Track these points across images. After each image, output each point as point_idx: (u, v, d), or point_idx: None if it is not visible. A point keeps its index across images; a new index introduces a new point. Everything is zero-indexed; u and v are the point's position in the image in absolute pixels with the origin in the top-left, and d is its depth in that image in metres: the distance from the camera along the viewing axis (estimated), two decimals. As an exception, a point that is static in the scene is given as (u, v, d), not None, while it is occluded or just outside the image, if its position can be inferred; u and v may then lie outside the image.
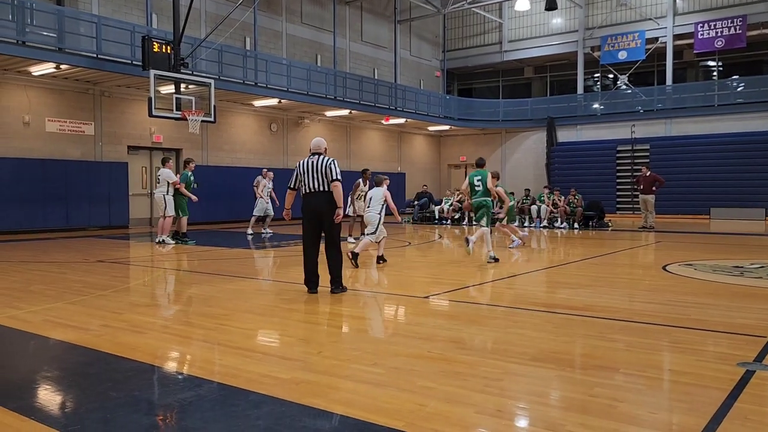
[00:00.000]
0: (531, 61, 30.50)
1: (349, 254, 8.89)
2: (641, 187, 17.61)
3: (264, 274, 9.20)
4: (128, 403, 3.40)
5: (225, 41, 17.87)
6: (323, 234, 6.84)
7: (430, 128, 28.83)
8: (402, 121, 25.82)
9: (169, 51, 15.03)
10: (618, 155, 25.54)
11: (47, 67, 14.93)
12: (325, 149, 6.94)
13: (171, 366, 4.30)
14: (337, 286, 6.82)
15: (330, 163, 6.72)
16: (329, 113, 23.60)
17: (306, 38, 24.09)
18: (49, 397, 3.62)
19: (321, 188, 6.69)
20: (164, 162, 13.34)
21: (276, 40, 22.88)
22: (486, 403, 3.31)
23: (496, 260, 9.72)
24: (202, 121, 15.68)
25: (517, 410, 3.29)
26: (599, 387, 3.57)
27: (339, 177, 6.70)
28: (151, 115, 14.80)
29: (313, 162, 6.75)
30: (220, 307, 6.25)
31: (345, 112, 23.15)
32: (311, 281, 6.85)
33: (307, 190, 6.75)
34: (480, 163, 10.65)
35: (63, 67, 14.93)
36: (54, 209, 15.99)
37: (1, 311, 5.85)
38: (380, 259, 9.67)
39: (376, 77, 26.16)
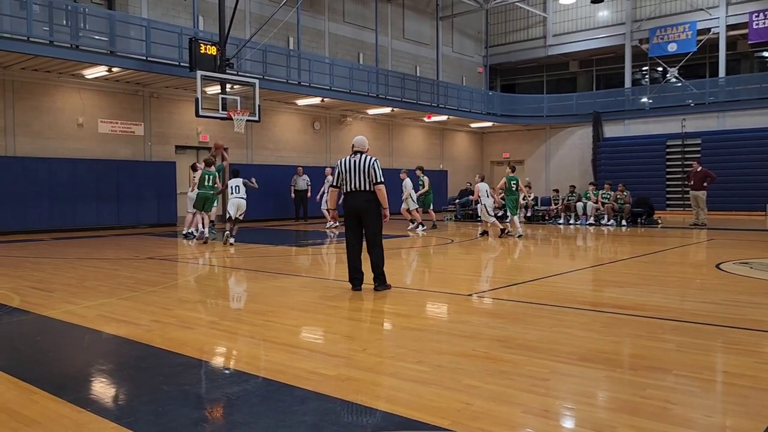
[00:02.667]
0: (576, 55, 29.89)
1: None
2: (692, 182, 17.13)
3: (308, 271, 9.28)
4: (179, 396, 3.49)
5: (269, 41, 18.10)
6: (364, 232, 6.88)
7: (473, 125, 28.61)
8: (444, 118, 25.69)
9: (215, 52, 15.33)
10: (668, 150, 24.82)
11: (100, 70, 15.41)
12: (367, 148, 6.97)
13: (219, 361, 4.39)
14: (380, 283, 6.83)
15: (373, 163, 6.76)
16: (371, 111, 23.66)
17: (348, 37, 24.20)
18: (103, 389, 3.74)
19: (363, 187, 6.73)
20: (195, 168, 14.47)
21: (319, 39, 23.06)
22: (533, 402, 3.27)
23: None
24: (247, 120, 15.94)
25: (565, 411, 3.23)
26: (651, 388, 3.48)
27: (382, 179, 6.76)
28: (198, 115, 15.14)
29: (355, 161, 6.77)
30: (266, 303, 6.35)
31: (387, 109, 23.16)
32: (355, 278, 6.89)
33: (349, 189, 6.78)
34: (515, 168, 14.73)
35: (114, 69, 15.39)
36: (106, 207, 16.51)
37: (58, 306, 6.08)
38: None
39: (418, 74, 26.10)
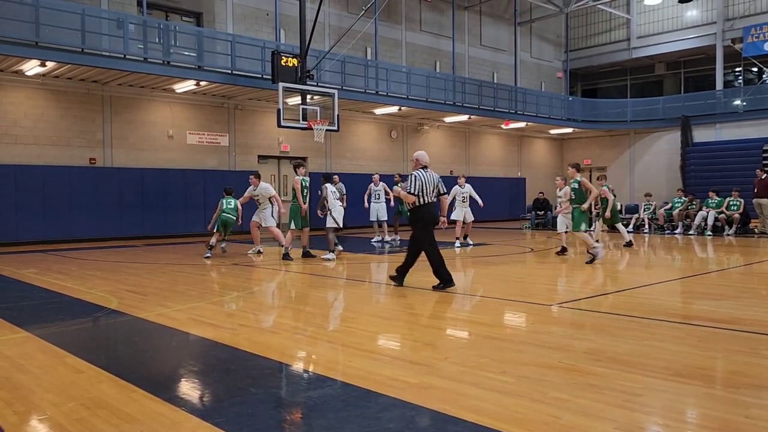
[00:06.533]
0: (662, 57, 28.66)
1: None
2: (755, 190, 16.45)
3: (385, 279, 9.32)
4: (267, 399, 3.59)
5: (347, 52, 18.43)
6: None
7: (552, 131, 27.98)
8: (522, 124, 25.25)
9: (296, 64, 15.77)
10: (765, 155, 23.31)
11: (188, 84, 16.18)
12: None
13: (303, 366, 4.47)
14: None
15: (439, 177, 7.60)
16: (448, 119, 23.58)
17: (425, 45, 24.28)
18: (196, 390, 3.89)
19: (434, 199, 7.47)
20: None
21: (396, 49, 23.25)
22: (626, 419, 3.13)
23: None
24: (327, 129, 16.26)
25: (662, 429, 3.07)
26: (756, 408, 3.26)
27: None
28: (279, 125, 15.59)
29: (429, 175, 7.45)
30: (347, 310, 6.43)
31: (464, 117, 23.03)
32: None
33: (429, 201, 7.41)
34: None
35: (202, 83, 16.11)
36: (193, 215, 17.25)
37: (152, 309, 6.40)
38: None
39: (495, 81, 25.81)
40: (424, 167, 7.50)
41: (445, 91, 21.72)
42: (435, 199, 7.47)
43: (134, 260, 11.45)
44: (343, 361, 4.42)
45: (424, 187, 7.30)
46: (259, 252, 12.32)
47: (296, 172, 11.10)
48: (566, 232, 11.34)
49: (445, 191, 7.61)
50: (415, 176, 7.33)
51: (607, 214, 12.78)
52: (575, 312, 6.22)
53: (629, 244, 13.13)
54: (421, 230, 7.45)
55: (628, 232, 17.95)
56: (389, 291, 7.55)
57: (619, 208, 19.27)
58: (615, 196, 13.78)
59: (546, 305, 6.47)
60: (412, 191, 7.29)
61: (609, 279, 8.82)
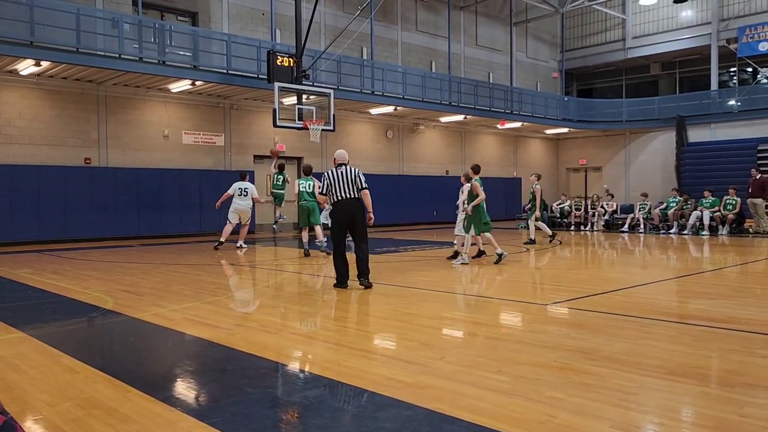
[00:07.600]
0: (658, 57, 28.74)
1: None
2: (750, 190, 16.71)
3: (382, 279, 9.32)
4: (263, 399, 3.58)
5: (343, 52, 18.41)
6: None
7: (548, 131, 28.03)
8: (518, 124, 25.29)
9: (291, 64, 15.76)
10: (759, 155, 23.40)
11: (184, 84, 16.14)
12: (348, 160, 7.90)
13: (300, 366, 4.47)
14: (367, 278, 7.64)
15: (359, 173, 7.65)
16: (444, 119, 23.59)
17: (421, 45, 24.29)
18: (192, 390, 3.89)
19: (352, 195, 7.53)
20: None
21: (392, 49, 23.26)
22: (621, 417, 3.14)
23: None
24: (322, 129, 16.24)
25: (657, 428, 3.09)
26: (750, 406, 3.28)
27: (367, 185, 7.65)
28: (275, 125, 15.56)
29: (342, 172, 7.54)
30: (342, 309, 6.43)
31: (460, 117, 23.04)
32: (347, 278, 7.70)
33: (341, 197, 7.51)
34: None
35: (197, 83, 16.08)
36: (189, 215, 17.21)
37: (148, 309, 6.38)
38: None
39: (491, 81, 25.83)
40: (339, 165, 7.70)
41: (440, 91, 21.73)
42: (356, 195, 7.56)
43: (129, 260, 11.42)
44: (339, 361, 4.42)
45: (333, 186, 7.54)
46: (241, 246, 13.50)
47: (309, 174, 12.54)
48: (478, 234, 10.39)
49: (365, 186, 7.60)
50: (324, 176, 7.67)
51: (536, 212, 13.94)
52: (571, 311, 6.24)
53: (532, 242, 13.84)
54: (334, 226, 7.77)
55: (623, 231, 18.23)
56: (385, 291, 7.56)
57: (612, 209, 19.41)
58: (542, 196, 14.53)
59: (541, 304, 6.49)
60: (321, 191, 7.74)
61: (605, 279, 8.84)
